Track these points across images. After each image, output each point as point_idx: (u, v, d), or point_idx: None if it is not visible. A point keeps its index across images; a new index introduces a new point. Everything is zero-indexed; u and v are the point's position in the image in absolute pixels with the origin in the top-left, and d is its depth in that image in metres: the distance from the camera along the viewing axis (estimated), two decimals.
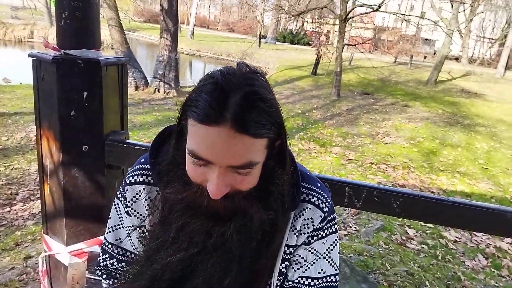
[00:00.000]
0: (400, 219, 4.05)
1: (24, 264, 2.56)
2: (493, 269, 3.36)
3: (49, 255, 1.68)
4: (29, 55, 1.45)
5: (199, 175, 0.68)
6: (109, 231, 0.92)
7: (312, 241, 0.84)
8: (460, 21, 20.21)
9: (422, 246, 3.60)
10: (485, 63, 28.18)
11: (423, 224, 4.04)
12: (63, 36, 1.44)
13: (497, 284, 3.09)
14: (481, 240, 3.86)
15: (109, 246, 0.93)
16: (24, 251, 2.72)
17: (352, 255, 3.20)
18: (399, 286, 2.80)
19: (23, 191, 3.69)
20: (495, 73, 21.95)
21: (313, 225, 0.83)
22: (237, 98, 0.61)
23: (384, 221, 3.96)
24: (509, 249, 3.72)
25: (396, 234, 3.76)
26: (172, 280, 0.77)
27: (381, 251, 3.34)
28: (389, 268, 3.05)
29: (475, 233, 3.93)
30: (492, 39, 33.15)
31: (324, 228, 0.84)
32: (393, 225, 3.94)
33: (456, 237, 3.87)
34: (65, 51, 1.42)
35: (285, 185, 0.77)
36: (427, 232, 3.91)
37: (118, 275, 0.93)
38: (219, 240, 0.72)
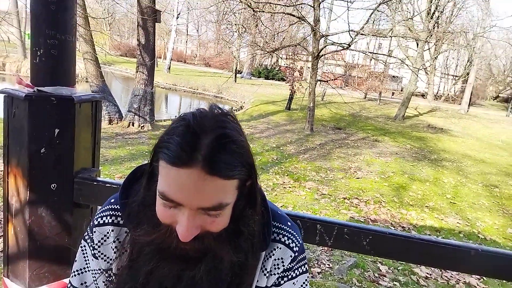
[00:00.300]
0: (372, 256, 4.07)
1: None
2: None
3: None
4: (1, 92, 1.44)
5: (168, 217, 0.68)
6: (74, 275, 0.89)
7: (282, 282, 0.84)
8: (426, 59, 21.47)
9: (394, 283, 3.62)
10: (450, 99, 29.75)
11: (394, 260, 4.07)
12: (37, 73, 1.44)
13: None
14: (451, 276, 3.93)
15: None
16: None
17: None
18: None
19: None
20: (459, 109, 23.14)
21: (283, 266, 0.83)
22: (209, 141, 0.63)
23: (357, 258, 3.97)
24: (477, 285, 3.79)
25: (369, 271, 3.77)
26: None
27: None
28: None
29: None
30: (456, 76, 35.18)
31: (295, 268, 0.85)
32: (365, 261, 3.96)
33: (427, 273, 3.91)
34: (38, 88, 1.41)
35: (256, 226, 0.77)
36: (398, 268, 3.95)
37: None
38: (189, 283, 0.71)
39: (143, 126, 9.66)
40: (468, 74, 25.85)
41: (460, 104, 24.61)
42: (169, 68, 29.43)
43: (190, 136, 0.63)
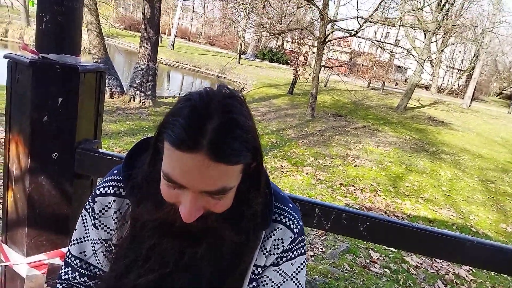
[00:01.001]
0: (365, 242, 4.12)
1: None
2: None
3: (5, 265, 1.61)
4: (5, 56, 1.42)
5: (173, 196, 0.68)
6: (74, 244, 0.90)
7: (280, 262, 0.85)
8: (432, 51, 21.24)
9: (385, 270, 3.68)
10: (453, 93, 29.58)
11: (386, 248, 4.13)
12: (43, 39, 1.42)
13: None
14: (441, 267, 3.99)
15: (72, 259, 0.90)
16: None
17: (317, 276, 3.22)
18: None
19: None
20: (461, 103, 23.06)
21: (283, 246, 0.84)
22: (214, 125, 0.61)
23: (349, 243, 4.02)
24: (466, 276, 3.86)
25: (361, 257, 3.83)
26: None
27: (345, 274, 3.39)
28: None
29: (436, 259, 4.05)
30: (461, 70, 34.92)
31: (293, 249, 0.86)
32: (358, 247, 4.01)
33: (418, 262, 3.97)
34: (43, 54, 1.39)
35: (258, 207, 0.77)
36: (390, 256, 4.01)
37: None
38: (191, 260, 0.72)
39: (144, 102, 9.61)
40: (473, 68, 25.61)
41: (463, 98, 24.49)
42: (173, 45, 29.08)
43: (196, 120, 0.61)
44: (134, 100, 9.57)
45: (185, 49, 30.21)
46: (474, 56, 29.13)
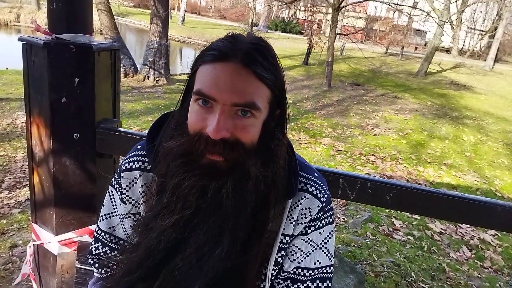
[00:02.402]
0: (387, 211, 4.11)
1: (10, 253, 2.53)
2: (476, 261, 3.44)
3: (37, 244, 1.66)
4: (19, 39, 1.41)
5: (200, 121, 0.68)
6: (102, 219, 0.91)
7: (309, 231, 0.84)
8: (452, 12, 20.32)
9: (408, 237, 3.67)
10: (475, 55, 28.47)
11: (409, 215, 4.11)
12: (55, 20, 1.40)
13: (480, 276, 3.17)
14: (465, 232, 3.95)
15: (102, 234, 0.92)
16: (10, 240, 2.68)
17: (340, 245, 3.24)
18: (386, 276, 2.85)
19: (9, 178, 3.63)
20: (484, 66, 22.20)
21: (310, 215, 0.83)
22: (248, 42, 0.69)
23: (371, 212, 4.01)
24: (492, 241, 3.81)
25: (383, 225, 3.82)
26: (167, 249, 0.73)
27: (368, 242, 3.39)
28: (376, 258, 3.10)
29: (460, 225, 4.01)
30: (482, 31, 33.44)
31: (321, 218, 0.85)
32: (380, 216, 4.00)
33: (442, 228, 3.94)
34: (56, 35, 1.38)
35: (283, 150, 0.77)
36: (413, 223, 3.98)
37: (110, 264, 0.92)
38: (215, 199, 0.69)
39: (158, 80, 9.60)
40: (496, 29, 24.47)
41: (485, 60, 23.54)
42: (183, 20, 28.71)
43: (232, 39, 0.70)
44: (148, 79, 9.57)
45: (195, 24, 29.82)
46: (496, 15, 27.77)
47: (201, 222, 0.71)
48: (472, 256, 3.52)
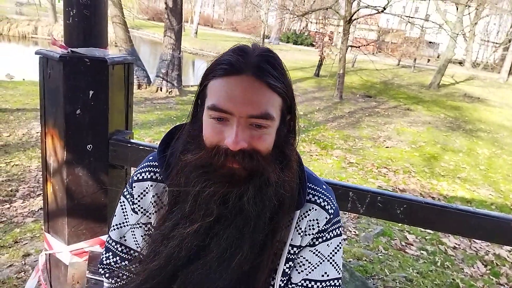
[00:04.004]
0: (400, 225, 4.04)
1: (23, 262, 2.56)
2: (491, 277, 3.35)
3: (49, 253, 1.68)
4: (36, 53, 1.45)
5: (217, 133, 0.70)
6: (114, 229, 0.93)
7: (316, 243, 0.84)
8: (465, 25, 20.17)
9: (421, 252, 3.60)
10: (489, 67, 28.13)
11: (422, 230, 4.03)
12: (71, 34, 1.44)
13: None
14: (480, 247, 3.86)
15: (113, 244, 0.93)
16: (23, 249, 2.71)
17: (352, 259, 3.19)
18: None
19: (23, 188, 3.69)
20: (498, 78, 21.88)
21: (318, 227, 0.83)
22: (257, 54, 0.71)
23: (383, 226, 3.95)
24: (508, 257, 3.71)
25: (396, 239, 3.76)
26: (188, 256, 0.75)
27: (380, 256, 3.34)
28: (388, 273, 3.05)
29: (474, 240, 3.92)
30: (496, 43, 33.07)
31: (329, 230, 0.85)
32: (392, 230, 3.94)
33: (456, 243, 3.86)
34: (72, 49, 1.42)
35: (295, 155, 0.81)
36: (426, 238, 3.91)
37: (120, 274, 0.93)
38: (236, 206, 0.71)
39: (171, 92, 9.73)
40: (510, 41, 24.15)
41: (499, 72, 23.22)
42: (196, 33, 29.14)
43: (240, 52, 0.71)
44: (161, 90, 9.70)
45: (208, 36, 30.22)
46: (510, 27, 27.48)
47: (222, 229, 0.73)
48: (487, 272, 3.43)
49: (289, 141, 0.80)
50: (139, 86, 9.86)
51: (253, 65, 0.69)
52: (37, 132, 5.23)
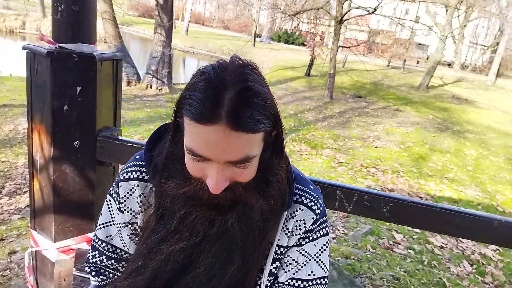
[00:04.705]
0: (388, 224, 4.09)
1: (8, 260, 2.53)
2: (477, 276, 3.41)
3: (35, 251, 1.66)
4: (24, 48, 1.43)
5: (198, 170, 0.68)
6: (100, 228, 0.92)
7: (303, 242, 0.85)
8: (454, 27, 20.43)
9: (409, 251, 3.64)
10: (477, 69, 28.52)
11: (410, 229, 4.08)
12: (59, 29, 1.42)
13: None
14: (466, 247, 3.92)
15: (99, 242, 0.92)
16: (9, 246, 2.67)
17: (340, 258, 3.22)
18: None
19: (10, 185, 3.63)
20: (486, 80, 22.21)
21: (305, 227, 0.84)
22: (231, 95, 0.61)
23: (372, 225, 3.99)
24: (493, 256, 3.78)
25: (384, 238, 3.80)
26: (174, 270, 0.77)
27: (368, 255, 3.37)
28: (375, 272, 3.08)
29: (461, 239, 3.98)
30: (484, 46, 33.57)
31: (316, 230, 0.85)
32: (381, 229, 3.98)
33: (443, 243, 3.92)
34: (60, 44, 1.40)
35: (283, 173, 0.78)
36: (414, 237, 3.96)
37: (107, 272, 0.93)
38: (222, 228, 0.72)
39: (161, 89, 9.67)
40: (498, 44, 24.54)
41: (487, 75, 23.55)
42: (187, 30, 28.99)
43: (212, 92, 0.61)
44: (151, 88, 9.63)
45: (199, 34, 30.08)
46: (498, 30, 27.93)
47: (208, 245, 0.75)
48: (473, 271, 3.49)
49: (273, 165, 0.76)
50: (129, 83, 9.78)
51: (227, 114, 0.60)
52: (24, 128, 5.15)
